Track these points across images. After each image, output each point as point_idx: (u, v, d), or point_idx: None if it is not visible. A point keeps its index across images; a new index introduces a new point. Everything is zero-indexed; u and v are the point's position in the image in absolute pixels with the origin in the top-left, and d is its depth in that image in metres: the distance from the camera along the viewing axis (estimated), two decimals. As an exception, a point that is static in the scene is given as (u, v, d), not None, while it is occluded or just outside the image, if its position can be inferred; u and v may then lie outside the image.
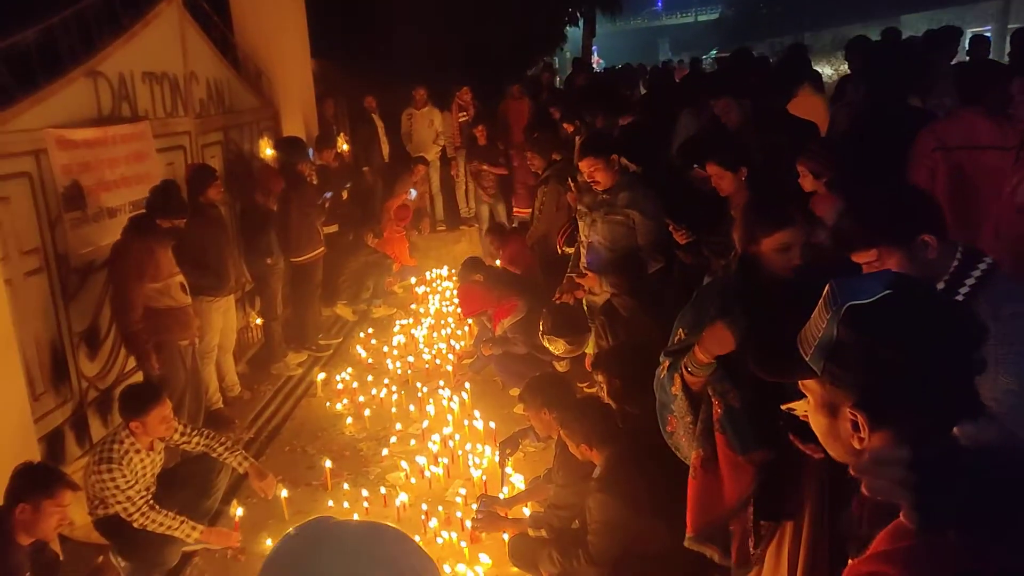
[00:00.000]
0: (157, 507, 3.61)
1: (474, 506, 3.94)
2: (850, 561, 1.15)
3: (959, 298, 1.92)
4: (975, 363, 1.11)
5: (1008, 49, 6.53)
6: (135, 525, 3.53)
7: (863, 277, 1.21)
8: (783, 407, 1.69)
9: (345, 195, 7.36)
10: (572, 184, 5.01)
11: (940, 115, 4.11)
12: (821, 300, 1.17)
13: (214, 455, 3.99)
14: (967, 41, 8.08)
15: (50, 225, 4.04)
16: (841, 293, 1.14)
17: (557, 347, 4.78)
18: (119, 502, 3.52)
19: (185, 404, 4.55)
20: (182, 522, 3.63)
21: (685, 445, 2.38)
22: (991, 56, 7.46)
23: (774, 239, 2.28)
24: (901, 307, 1.10)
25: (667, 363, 2.38)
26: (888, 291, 1.11)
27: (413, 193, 8.51)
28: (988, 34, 15.99)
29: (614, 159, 4.19)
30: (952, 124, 3.57)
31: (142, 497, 3.57)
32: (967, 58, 6.89)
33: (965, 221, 3.38)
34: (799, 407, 1.61)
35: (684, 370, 2.25)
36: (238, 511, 4.03)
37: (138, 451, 3.64)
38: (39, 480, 3.00)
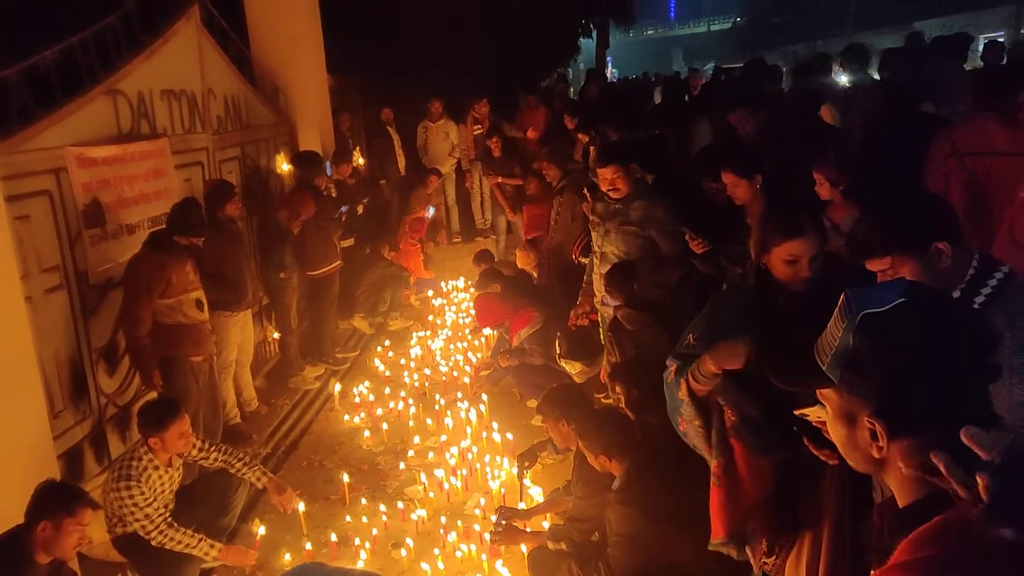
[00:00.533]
0: (175, 525, 3.61)
1: (493, 518, 3.91)
2: (872, 571, 1.13)
3: (975, 307, 1.89)
4: (990, 370, 1.11)
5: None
6: (153, 543, 3.53)
7: (877, 286, 1.23)
8: (796, 412, 1.68)
9: (361, 209, 7.39)
10: (588, 193, 5.00)
11: (954, 121, 4.08)
12: (837, 309, 1.17)
13: (232, 471, 3.99)
14: (981, 47, 8.04)
15: (70, 242, 4.07)
16: (856, 302, 1.14)
17: (573, 368, 4.81)
18: (137, 520, 3.52)
19: (200, 420, 4.55)
20: (200, 540, 3.62)
21: (701, 446, 2.36)
22: (1005, 61, 7.41)
23: (783, 249, 2.26)
24: (915, 315, 1.11)
25: (674, 367, 2.36)
26: (902, 299, 1.11)
27: (431, 211, 8.56)
28: (1002, 39, 15.88)
29: (633, 168, 4.19)
30: (966, 130, 3.54)
31: (160, 515, 3.57)
32: (981, 64, 6.85)
33: (980, 227, 3.35)
34: (812, 413, 1.60)
35: (691, 377, 2.24)
36: (260, 529, 4.02)
37: (156, 467, 3.64)
38: (60, 498, 3.00)
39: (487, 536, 3.91)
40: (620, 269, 4.07)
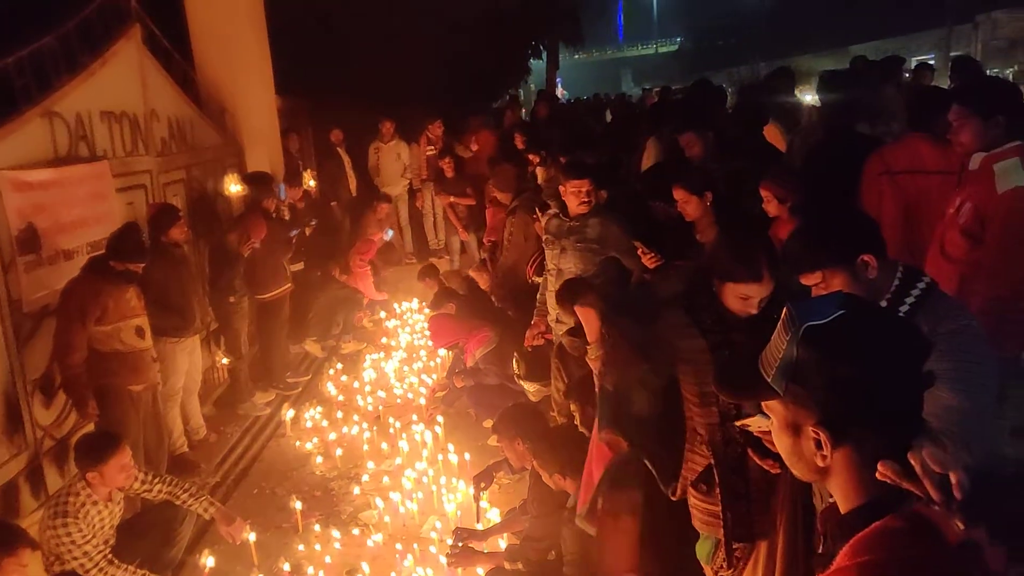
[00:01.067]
0: (116, 562, 3.47)
1: (449, 540, 3.86)
2: None
3: (901, 316, 1.98)
4: (924, 377, 1.16)
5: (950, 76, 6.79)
6: None
7: (817, 299, 1.26)
8: (738, 424, 1.74)
9: (309, 231, 7.30)
10: (539, 213, 5.02)
11: (887, 141, 4.24)
12: (780, 322, 1.21)
13: (178, 502, 3.86)
14: (911, 69, 8.40)
15: (3, 269, 3.92)
16: (799, 315, 1.17)
17: (531, 387, 4.81)
18: (75, 558, 3.37)
19: (142, 451, 4.40)
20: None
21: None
22: (935, 83, 7.75)
23: (737, 288, 2.33)
24: (855, 326, 1.15)
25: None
26: (842, 311, 1.15)
27: (389, 233, 8.50)
28: (932, 62, 16.60)
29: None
30: (898, 149, 3.69)
31: (100, 551, 3.43)
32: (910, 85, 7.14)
33: (912, 243, 3.48)
34: (753, 424, 1.65)
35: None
36: (208, 561, 3.89)
37: (95, 503, 3.50)
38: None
39: (443, 559, 3.86)
40: (568, 289, 4.04)
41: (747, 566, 2.41)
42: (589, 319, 2.40)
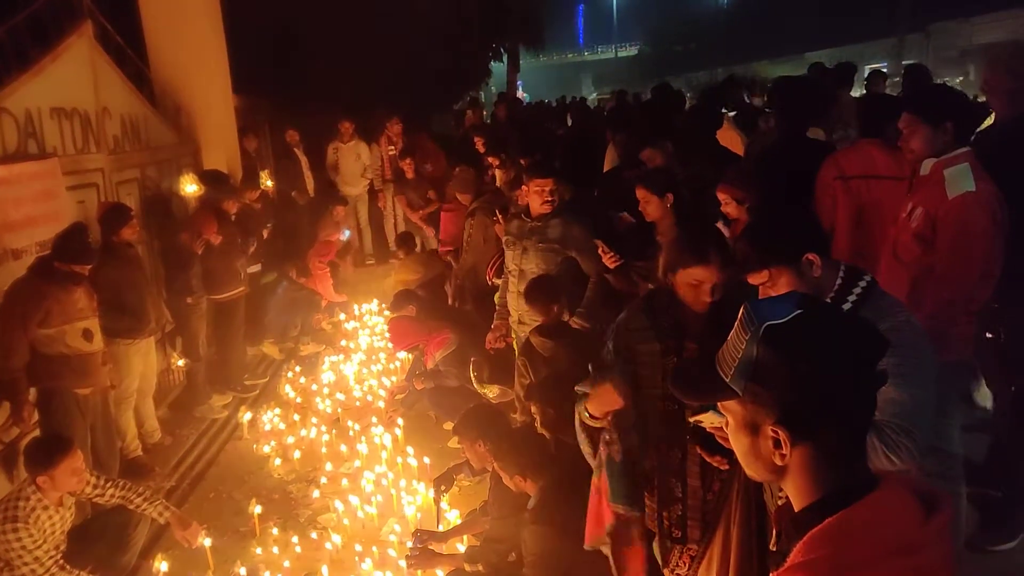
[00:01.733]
0: (68, 567, 3.40)
1: (409, 543, 3.85)
2: (771, 574, 1.18)
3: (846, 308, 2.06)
4: (879, 375, 1.18)
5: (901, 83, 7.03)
6: None
7: (773, 300, 1.26)
8: (691, 419, 1.78)
9: (266, 234, 7.21)
10: (500, 216, 5.05)
11: (839, 146, 4.36)
12: (737, 322, 1.21)
13: (131, 507, 3.78)
14: (865, 76, 8.65)
15: (-51, 268, 3.81)
16: (757, 314, 1.18)
17: (491, 391, 4.83)
18: (26, 563, 3.28)
19: (90, 455, 4.28)
20: None
21: (592, 465, 2.59)
22: (887, 90, 7.99)
23: (688, 273, 2.37)
24: (813, 325, 1.16)
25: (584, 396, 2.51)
26: (799, 310, 1.16)
27: (347, 233, 8.44)
28: (884, 69, 17.08)
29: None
30: (852, 154, 3.79)
31: (51, 557, 3.35)
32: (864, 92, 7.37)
33: (863, 247, 3.58)
34: (706, 420, 1.68)
35: (580, 415, 2.44)
36: (162, 566, 3.81)
37: (46, 508, 3.41)
38: None
39: (403, 563, 3.85)
40: (539, 287, 4.03)
41: (701, 565, 2.45)
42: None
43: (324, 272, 8.01)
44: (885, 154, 3.65)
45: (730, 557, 2.34)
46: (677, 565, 2.48)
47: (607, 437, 2.38)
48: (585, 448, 2.54)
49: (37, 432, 4.23)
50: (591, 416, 2.36)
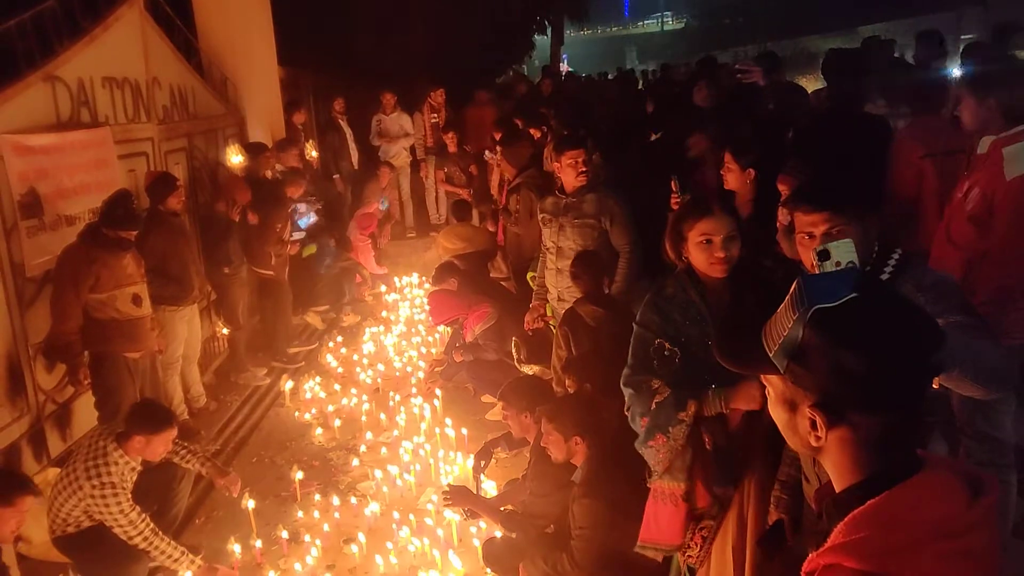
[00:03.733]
0: (159, 533, 3.54)
1: (447, 513, 3.88)
2: (809, 553, 1.16)
3: (884, 278, 2.03)
4: (932, 367, 1.13)
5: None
6: (140, 548, 3.48)
7: (830, 277, 1.20)
8: None
9: (317, 214, 7.31)
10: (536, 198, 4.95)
11: (895, 122, 4.22)
12: (788, 297, 1.17)
13: (175, 459, 3.90)
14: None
15: (5, 234, 3.92)
16: (808, 293, 1.13)
17: (532, 371, 4.84)
18: (120, 525, 3.44)
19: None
20: (183, 553, 3.58)
21: (661, 462, 2.43)
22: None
23: (695, 231, 2.33)
24: (865, 312, 1.11)
25: (666, 389, 2.38)
26: (854, 294, 1.11)
27: (385, 203, 8.48)
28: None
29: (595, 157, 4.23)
30: (927, 130, 3.65)
31: (144, 520, 3.49)
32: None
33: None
34: None
35: (706, 404, 2.31)
36: (235, 548, 3.88)
37: (133, 469, 3.58)
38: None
39: (440, 532, 3.90)
40: (587, 261, 3.99)
41: (714, 544, 2.42)
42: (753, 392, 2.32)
43: (366, 244, 8.08)
44: (950, 129, 3.52)
45: (746, 537, 2.31)
46: (689, 546, 2.45)
47: (712, 427, 2.33)
48: (677, 443, 2.36)
49: (89, 393, 4.38)
50: (725, 409, 2.29)
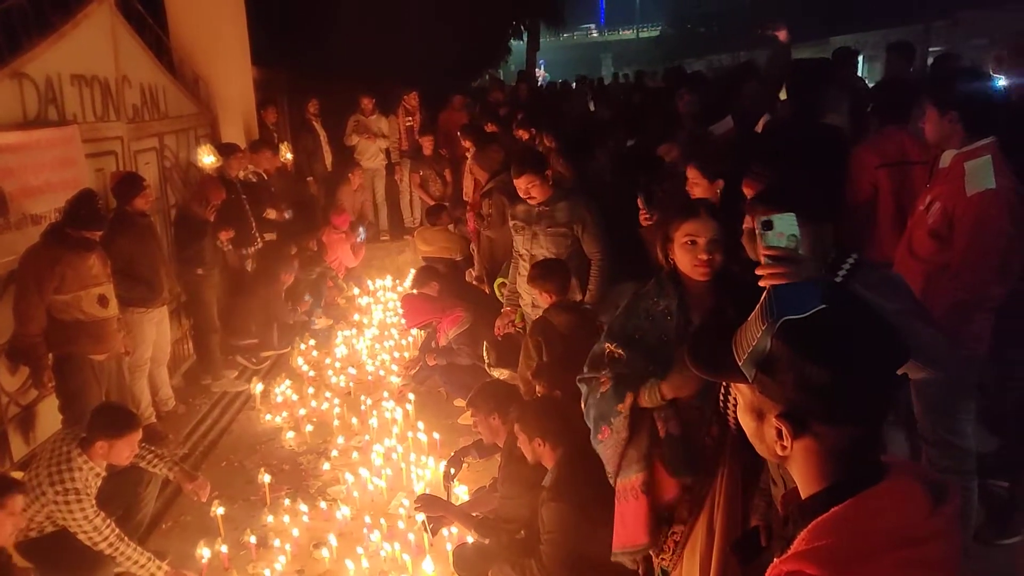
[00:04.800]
0: (125, 538, 3.48)
1: (419, 517, 3.86)
2: (774, 559, 1.17)
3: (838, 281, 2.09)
4: (897, 380, 1.16)
5: (928, 72, 6.89)
6: (105, 553, 3.43)
7: (800, 288, 1.20)
8: None
9: (287, 216, 7.24)
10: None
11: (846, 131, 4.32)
12: (758, 306, 1.19)
13: (142, 463, 3.84)
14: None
15: (-31, 232, 3.84)
16: (777, 304, 1.15)
17: (502, 375, 4.84)
18: (84, 531, 3.37)
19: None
20: (149, 559, 3.52)
21: (613, 458, 2.48)
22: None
23: (681, 231, 2.35)
24: (833, 324, 1.13)
25: (609, 381, 2.42)
26: (822, 305, 1.13)
27: (362, 234, 8.40)
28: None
29: (548, 174, 4.25)
30: (885, 141, 3.72)
31: (108, 526, 3.43)
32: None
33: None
34: None
35: (643, 395, 2.34)
36: (204, 552, 3.81)
37: (98, 475, 3.51)
38: None
39: (411, 536, 3.89)
40: (550, 268, 4.02)
41: (685, 549, 2.44)
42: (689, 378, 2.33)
43: (340, 236, 7.97)
44: (912, 140, 3.59)
45: (714, 542, 2.33)
46: (663, 549, 2.47)
47: (663, 414, 2.34)
48: (621, 435, 2.40)
49: (53, 395, 4.29)
50: (654, 398, 2.31)
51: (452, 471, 4.05)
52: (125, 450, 3.53)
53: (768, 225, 1.62)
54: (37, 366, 4.11)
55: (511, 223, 4.51)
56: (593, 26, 57.60)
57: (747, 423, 1.25)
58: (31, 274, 4.03)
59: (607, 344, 2.49)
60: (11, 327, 4.12)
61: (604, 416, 2.44)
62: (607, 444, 2.46)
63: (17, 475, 3.71)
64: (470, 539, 3.59)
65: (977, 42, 22.03)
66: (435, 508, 3.65)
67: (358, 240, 8.26)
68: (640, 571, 2.61)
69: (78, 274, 4.18)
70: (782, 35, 5.56)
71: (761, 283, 1.67)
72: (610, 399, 2.41)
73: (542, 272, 3.99)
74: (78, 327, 4.22)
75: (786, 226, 1.62)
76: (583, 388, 2.55)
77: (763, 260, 1.65)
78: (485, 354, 5.00)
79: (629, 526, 2.47)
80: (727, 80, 6.63)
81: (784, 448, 1.16)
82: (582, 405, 2.56)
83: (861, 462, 1.14)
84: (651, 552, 2.49)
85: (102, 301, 4.32)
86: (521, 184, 4.20)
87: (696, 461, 2.32)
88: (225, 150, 6.52)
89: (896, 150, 3.65)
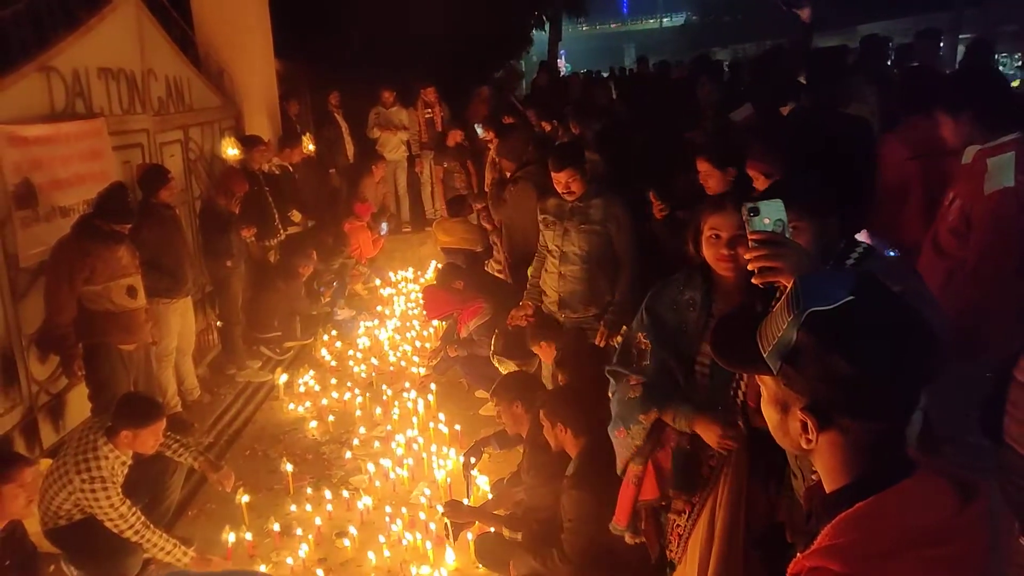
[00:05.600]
0: (151, 526, 3.54)
1: (440, 507, 3.90)
2: (797, 554, 1.16)
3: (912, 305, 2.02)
4: (928, 372, 1.13)
5: (960, 58, 6.74)
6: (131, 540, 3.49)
7: (828, 278, 1.18)
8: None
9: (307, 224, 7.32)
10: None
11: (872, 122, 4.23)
12: (784, 297, 1.17)
13: (168, 452, 3.91)
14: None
15: (-1, 224, 3.92)
16: (804, 295, 1.12)
17: (507, 367, 4.82)
18: (111, 519, 3.44)
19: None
20: (175, 545, 3.58)
21: (624, 455, 2.52)
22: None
23: (707, 225, 2.33)
24: (861, 317, 1.10)
25: (641, 389, 2.42)
26: (851, 297, 1.10)
27: (384, 227, 8.47)
28: (940, 44, 16.38)
29: (587, 168, 4.21)
30: (913, 132, 3.64)
31: (134, 514, 3.49)
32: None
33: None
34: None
35: (668, 419, 2.35)
36: (229, 537, 3.87)
37: (124, 463, 3.58)
38: None
39: (432, 526, 3.91)
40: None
41: (688, 543, 2.43)
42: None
43: (361, 226, 8.01)
44: (938, 131, 3.52)
45: (713, 540, 2.32)
46: (669, 540, 2.49)
47: (678, 433, 2.37)
48: (635, 442, 2.44)
49: (82, 384, 4.37)
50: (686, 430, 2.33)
51: (473, 460, 4.07)
52: (150, 439, 3.58)
53: (755, 211, 1.63)
54: (68, 355, 4.19)
55: (540, 217, 4.40)
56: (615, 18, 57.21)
57: (771, 416, 1.23)
58: (62, 265, 4.11)
59: (639, 335, 2.48)
60: (40, 317, 4.21)
61: (624, 419, 2.45)
62: (620, 443, 2.50)
63: (46, 463, 3.80)
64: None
65: (1007, 28, 21.54)
66: (462, 515, 3.68)
67: (381, 234, 8.31)
68: (653, 562, 2.62)
69: (108, 265, 4.25)
70: (805, 15, 5.46)
71: (749, 267, 1.67)
72: (635, 407, 2.41)
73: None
74: (107, 317, 4.30)
75: (772, 211, 1.63)
76: (612, 381, 2.55)
77: (750, 244, 1.65)
78: (493, 343, 4.97)
79: (621, 507, 2.58)
80: (751, 67, 6.55)
81: (809, 441, 1.15)
82: (609, 393, 2.56)
83: (888, 457, 1.12)
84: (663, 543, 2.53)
85: (131, 292, 4.39)
86: (562, 178, 4.12)
87: (697, 478, 2.35)
88: (248, 143, 6.58)
89: (925, 140, 3.57)
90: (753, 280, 1.67)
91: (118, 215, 4.26)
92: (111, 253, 4.26)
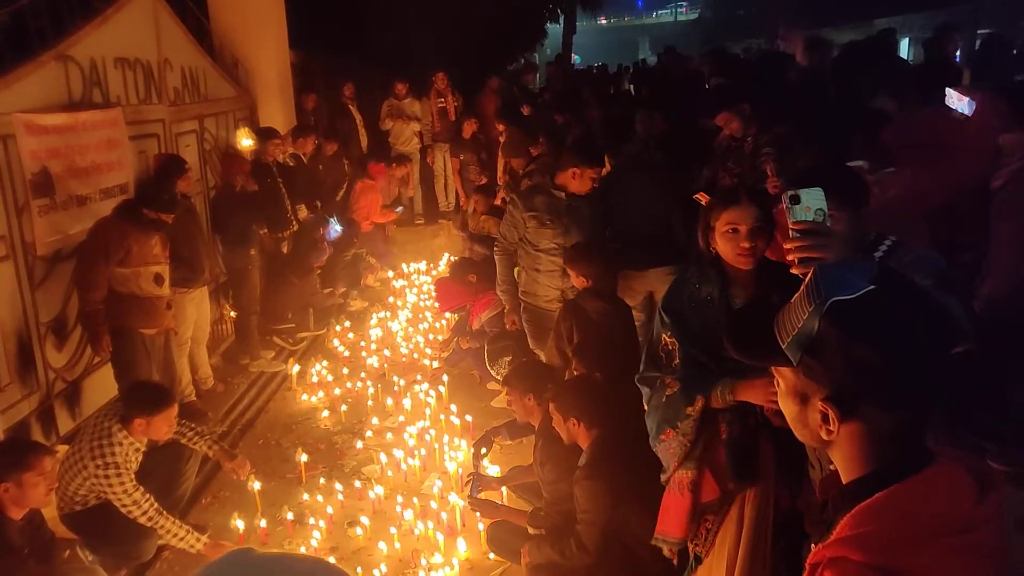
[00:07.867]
0: (164, 512, 3.58)
1: (451, 497, 3.91)
2: (813, 546, 1.15)
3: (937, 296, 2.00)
4: (952, 361, 1.12)
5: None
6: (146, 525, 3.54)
7: (848, 268, 1.16)
8: None
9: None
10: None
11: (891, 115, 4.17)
12: (803, 287, 1.15)
13: (183, 440, 3.94)
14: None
15: (17, 212, 3.95)
16: (825, 284, 1.11)
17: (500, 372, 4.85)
18: (124, 505, 3.49)
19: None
20: (188, 531, 3.61)
21: (672, 458, 2.44)
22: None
23: (722, 220, 2.31)
24: (883, 306, 1.09)
25: (675, 383, 2.39)
26: (872, 286, 1.09)
27: (400, 207, 8.51)
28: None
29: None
30: (910, 123, 3.61)
31: (147, 500, 3.53)
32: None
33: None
34: None
35: (716, 397, 2.29)
36: (239, 523, 3.89)
37: (138, 449, 3.62)
38: (12, 457, 2.98)
39: (444, 516, 3.93)
40: (588, 250, 3.90)
41: (717, 537, 2.42)
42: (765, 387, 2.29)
43: (372, 185, 7.99)
44: (947, 122, 3.49)
45: (743, 533, 2.31)
46: (697, 534, 2.47)
47: (727, 416, 2.31)
48: (688, 436, 2.36)
49: (100, 372, 4.41)
50: (726, 400, 2.28)
51: (482, 450, 4.08)
52: (163, 426, 3.61)
53: (796, 199, 1.60)
54: (98, 332, 4.27)
55: (529, 215, 4.31)
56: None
57: (789, 408, 1.21)
58: (100, 242, 4.22)
59: (663, 336, 2.45)
60: (58, 305, 4.24)
61: (669, 420, 2.40)
62: (669, 445, 2.42)
63: (62, 449, 3.84)
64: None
65: (1025, 22, 21.21)
66: (491, 512, 3.68)
67: (396, 211, 8.33)
68: (674, 557, 2.60)
69: (142, 250, 4.36)
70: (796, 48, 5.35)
71: (789, 257, 1.64)
72: (678, 402, 2.37)
73: (580, 255, 3.86)
74: (132, 301, 4.37)
75: (813, 200, 1.60)
76: (644, 390, 2.49)
77: (791, 234, 1.62)
78: (499, 366, 5.01)
79: (671, 518, 2.49)
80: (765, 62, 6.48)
81: (830, 432, 1.13)
82: (644, 405, 2.51)
83: (907, 447, 1.11)
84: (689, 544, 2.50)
85: (158, 280, 4.47)
86: (594, 174, 4.16)
87: (753, 466, 2.30)
88: (263, 134, 6.58)
89: (919, 132, 3.52)
90: (792, 270, 1.64)
91: (165, 205, 4.40)
92: (147, 239, 4.37)
